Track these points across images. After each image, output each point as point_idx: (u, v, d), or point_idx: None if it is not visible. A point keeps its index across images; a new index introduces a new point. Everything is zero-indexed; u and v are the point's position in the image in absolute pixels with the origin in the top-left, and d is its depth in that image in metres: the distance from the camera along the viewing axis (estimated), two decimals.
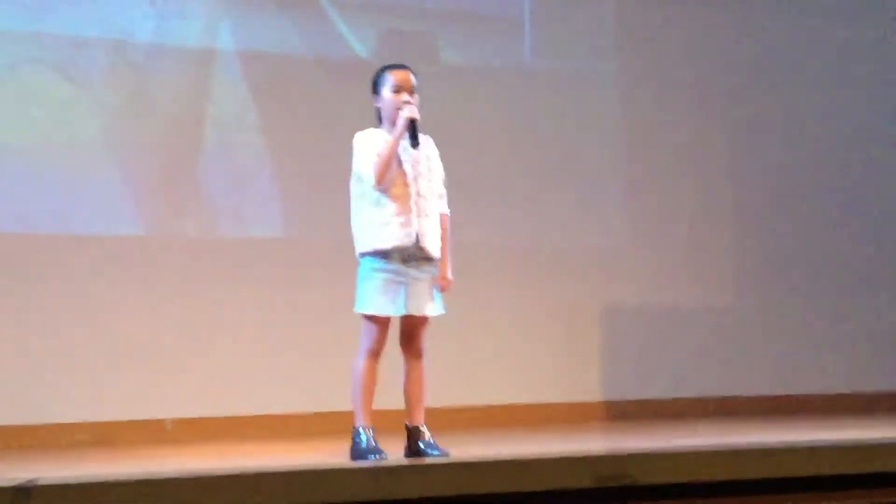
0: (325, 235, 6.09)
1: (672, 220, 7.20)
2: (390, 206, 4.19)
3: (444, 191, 4.38)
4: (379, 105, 4.32)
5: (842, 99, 7.60)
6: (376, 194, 4.20)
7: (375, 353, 4.22)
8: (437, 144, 4.38)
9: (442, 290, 4.32)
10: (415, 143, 4.21)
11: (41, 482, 2.69)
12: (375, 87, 4.34)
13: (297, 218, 6.38)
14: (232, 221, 6.28)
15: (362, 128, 4.33)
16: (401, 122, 4.17)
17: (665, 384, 7.01)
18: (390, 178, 4.18)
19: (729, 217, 7.37)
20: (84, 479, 2.70)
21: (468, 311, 6.32)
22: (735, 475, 3.23)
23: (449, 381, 6.05)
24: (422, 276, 4.24)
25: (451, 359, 6.21)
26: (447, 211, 4.39)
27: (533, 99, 6.90)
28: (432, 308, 4.27)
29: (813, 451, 3.40)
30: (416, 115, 4.19)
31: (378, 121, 4.35)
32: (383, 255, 4.19)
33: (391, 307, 4.19)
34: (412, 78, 4.30)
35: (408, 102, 4.22)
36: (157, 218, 6.12)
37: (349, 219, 4.32)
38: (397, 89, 4.27)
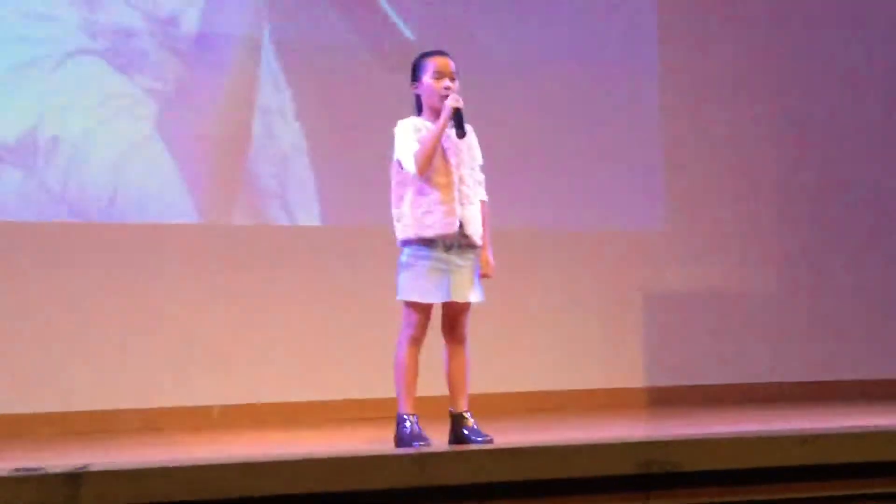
0: (367, 223, 6.11)
1: (715, 203, 7.16)
2: (434, 194, 4.20)
3: (482, 177, 4.39)
4: (419, 92, 4.32)
5: (892, 81, 7.51)
6: (419, 182, 4.20)
7: (417, 340, 4.23)
8: (475, 130, 4.38)
9: (486, 276, 4.33)
10: (461, 132, 4.20)
11: (92, 468, 2.73)
12: (415, 74, 4.33)
13: (340, 206, 6.41)
14: (278, 209, 6.33)
15: (403, 115, 4.34)
16: (445, 111, 4.17)
17: (708, 370, 6.99)
18: (434, 166, 4.19)
19: (773, 200, 7.32)
20: (133, 466, 2.75)
21: (510, 298, 6.33)
22: (777, 462, 3.22)
23: (492, 368, 6.07)
24: (464, 263, 4.25)
25: (493, 345, 6.23)
26: (486, 197, 4.39)
27: (571, 81, 6.88)
28: (475, 295, 4.28)
29: (856, 437, 3.38)
30: (460, 104, 4.19)
31: (417, 109, 4.35)
32: (427, 242, 4.20)
33: (435, 294, 4.20)
34: (452, 64, 4.31)
35: (449, 89, 4.22)
36: (207, 206, 6.19)
37: (389, 206, 4.33)
38: (438, 76, 4.26)
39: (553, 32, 6.91)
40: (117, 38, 6.00)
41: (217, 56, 6.22)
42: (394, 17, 6.55)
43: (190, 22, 6.17)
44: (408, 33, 6.54)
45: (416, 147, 4.18)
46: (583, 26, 6.97)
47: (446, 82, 4.25)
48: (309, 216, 6.41)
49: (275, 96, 6.32)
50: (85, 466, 2.74)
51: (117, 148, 5.99)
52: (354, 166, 6.30)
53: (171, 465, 2.75)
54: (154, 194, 6.05)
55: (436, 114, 4.24)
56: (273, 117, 6.32)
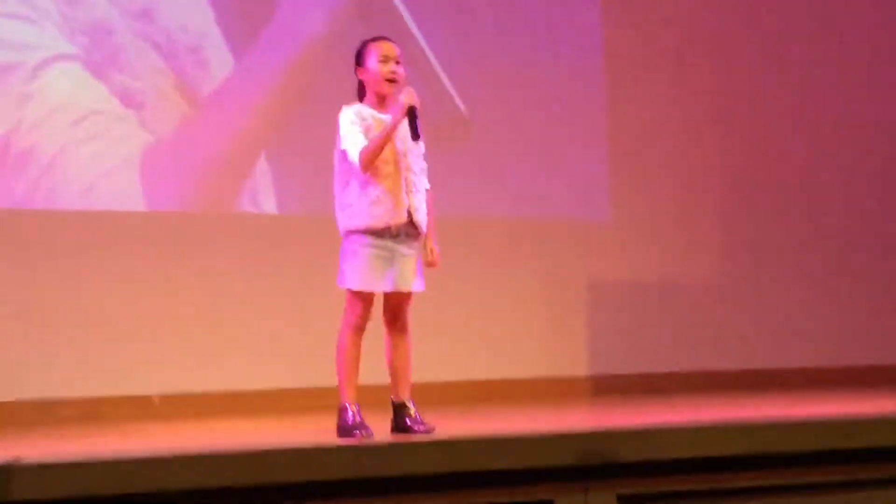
0: (313, 211, 6.08)
1: (658, 192, 7.21)
2: (382, 184, 4.15)
3: (426, 165, 4.36)
4: (363, 77, 4.27)
5: (840, 65, 7.60)
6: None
7: (360, 329, 4.21)
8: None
9: (432, 264, 4.31)
10: (415, 135, 4.15)
11: (24, 461, 2.69)
12: (359, 59, 4.28)
13: (289, 194, 6.37)
14: (225, 197, 6.28)
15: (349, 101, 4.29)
16: (400, 108, 4.11)
17: (651, 358, 7.04)
18: (380, 156, 4.14)
19: (715, 189, 7.38)
20: (66, 460, 2.70)
21: (453, 286, 6.33)
22: (718, 451, 3.25)
23: (435, 357, 6.06)
24: (409, 252, 4.23)
25: (437, 334, 6.22)
26: (429, 186, 4.37)
27: (515, 68, 6.87)
28: (418, 284, 4.26)
29: (799, 426, 3.41)
30: (416, 102, 4.13)
31: (360, 95, 4.30)
32: (373, 231, 4.16)
33: (379, 283, 4.17)
34: (397, 49, 4.27)
35: (394, 73, 4.17)
36: (147, 194, 6.11)
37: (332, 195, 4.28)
38: (384, 59, 4.22)
39: (501, 20, 6.90)
40: (97, 34, 5.94)
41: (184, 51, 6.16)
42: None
43: (161, 17, 6.11)
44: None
45: (362, 140, 4.12)
46: (529, 15, 6.96)
47: (392, 65, 4.21)
48: (253, 204, 6.35)
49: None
50: (17, 459, 2.69)
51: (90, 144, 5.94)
52: (299, 154, 6.26)
53: (103, 458, 2.71)
54: (119, 183, 6.02)
55: (380, 100, 4.20)
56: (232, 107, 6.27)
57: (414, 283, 4.24)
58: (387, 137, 4.10)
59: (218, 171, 6.30)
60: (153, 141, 6.11)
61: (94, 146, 5.98)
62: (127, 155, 6.05)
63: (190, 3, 6.23)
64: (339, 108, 4.22)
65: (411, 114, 4.09)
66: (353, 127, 4.16)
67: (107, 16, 6.00)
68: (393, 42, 4.29)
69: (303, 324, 6.16)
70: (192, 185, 6.25)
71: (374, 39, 4.31)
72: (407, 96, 4.11)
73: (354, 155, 4.11)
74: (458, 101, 6.73)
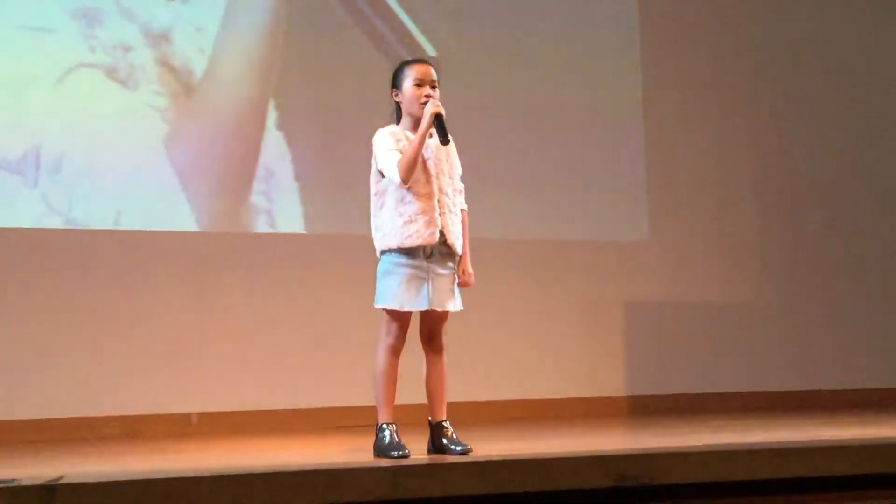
0: (349, 231, 6.12)
1: (694, 214, 7.18)
2: (415, 204, 4.18)
3: (462, 186, 4.38)
4: (399, 100, 4.29)
5: (874, 91, 7.54)
6: (399, 192, 4.18)
7: (396, 349, 4.22)
8: (457, 138, 4.36)
9: (465, 285, 4.32)
10: (444, 139, 4.18)
11: (66, 480, 2.73)
12: (395, 82, 4.31)
13: (321, 214, 6.41)
14: (262, 218, 6.33)
15: (383, 124, 4.33)
16: (426, 118, 4.15)
17: (688, 379, 7.01)
18: (414, 176, 4.17)
19: (752, 211, 7.35)
20: (107, 478, 2.74)
21: (492, 307, 6.34)
22: (754, 475, 3.23)
23: (473, 376, 6.07)
24: (444, 272, 4.24)
25: (475, 354, 6.23)
26: (465, 206, 4.39)
27: (551, 92, 6.89)
28: (454, 304, 4.27)
29: (835, 450, 3.38)
30: (441, 111, 4.17)
31: (396, 118, 4.34)
32: (407, 251, 4.19)
33: (414, 302, 4.18)
34: (433, 72, 4.29)
35: (429, 96, 4.21)
36: (180, 213, 6.18)
37: (368, 215, 4.32)
38: (419, 83, 4.24)
39: (540, 45, 6.93)
40: (116, 52, 6.03)
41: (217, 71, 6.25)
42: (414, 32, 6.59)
43: (184, 39, 6.19)
44: (429, 48, 6.57)
45: (397, 156, 4.16)
46: (569, 39, 6.99)
47: (427, 90, 4.23)
48: (292, 224, 6.40)
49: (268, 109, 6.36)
50: (59, 478, 2.73)
51: (122, 163, 6.03)
52: (333, 176, 6.30)
53: (144, 477, 2.74)
54: (154, 204, 6.09)
55: (415, 122, 4.22)
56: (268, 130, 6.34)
57: (450, 303, 4.25)
58: (418, 145, 4.12)
59: (250, 191, 6.34)
60: (184, 161, 6.17)
61: (124, 154, 6.04)
62: (159, 172, 6.11)
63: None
64: (367, 127, 4.27)
65: (439, 121, 4.13)
66: (388, 146, 4.19)
67: (125, 34, 6.07)
68: (429, 64, 4.32)
69: (339, 343, 6.19)
70: (227, 205, 6.30)
71: (410, 62, 4.34)
72: (432, 106, 4.15)
73: (392, 170, 4.13)
74: (494, 120, 6.75)
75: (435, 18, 6.69)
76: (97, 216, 5.99)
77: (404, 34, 6.62)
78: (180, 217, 6.16)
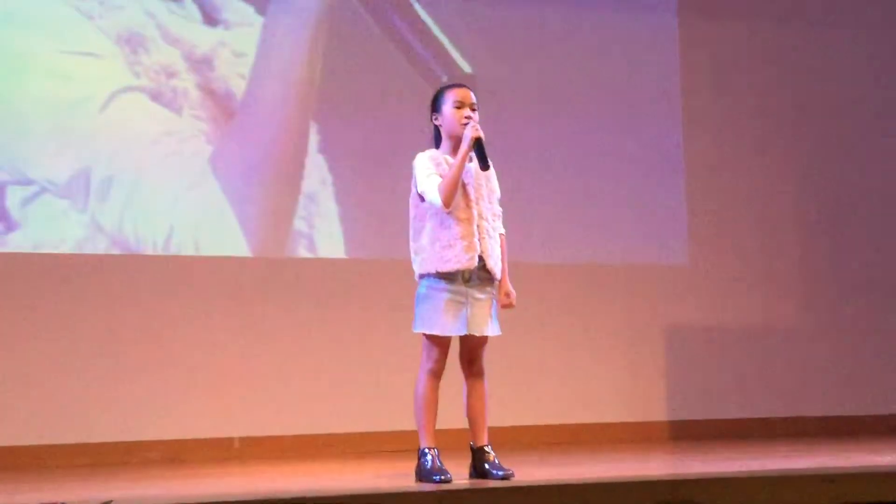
0: (389, 255, 6.14)
1: (736, 237, 7.15)
2: (454, 229, 4.19)
3: (500, 210, 4.39)
4: (439, 123, 4.31)
5: None
6: (439, 216, 4.20)
7: (437, 374, 4.23)
8: (499, 161, 4.37)
9: (508, 306, 4.32)
10: (484, 165, 4.19)
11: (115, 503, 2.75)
12: (435, 105, 4.33)
13: (363, 239, 6.44)
14: (302, 242, 6.37)
15: (422, 148, 4.34)
16: (466, 141, 4.17)
17: (730, 404, 6.95)
18: (455, 200, 4.18)
19: (794, 234, 7.30)
20: (155, 502, 2.76)
21: (532, 331, 6.33)
22: (801, 501, 3.19)
23: (514, 401, 6.07)
24: (482, 297, 4.24)
25: (516, 378, 6.22)
26: (503, 230, 4.40)
27: (592, 115, 6.90)
28: (493, 328, 4.28)
29: (883, 476, 3.34)
30: (481, 135, 4.18)
31: (436, 141, 4.35)
32: (446, 275, 4.20)
33: (453, 327, 4.19)
34: (472, 95, 4.32)
35: (469, 118, 4.22)
36: (228, 240, 6.23)
37: (408, 240, 4.33)
38: (459, 105, 4.26)
39: (582, 68, 6.93)
40: (159, 77, 6.11)
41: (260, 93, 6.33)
42: (451, 50, 6.62)
43: (225, 64, 6.27)
44: (465, 66, 6.60)
45: (437, 180, 4.17)
46: (611, 63, 7.00)
47: (467, 111, 4.25)
48: (333, 249, 6.44)
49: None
50: (108, 502, 2.76)
51: (170, 187, 6.10)
52: (373, 201, 6.34)
53: (191, 500, 2.76)
54: (201, 228, 6.15)
55: (455, 145, 4.24)
56: (309, 154, 6.39)
57: (488, 328, 4.26)
58: (459, 168, 4.13)
59: (293, 215, 6.39)
60: (231, 184, 6.22)
61: (169, 178, 6.11)
62: (205, 196, 6.17)
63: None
64: (406, 149, 4.29)
65: (478, 145, 4.14)
66: (429, 169, 4.21)
67: (169, 59, 6.16)
68: (469, 88, 4.35)
69: (380, 367, 6.20)
70: (272, 229, 6.35)
71: (450, 86, 4.36)
72: (472, 130, 4.16)
73: (434, 194, 4.15)
74: (533, 143, 6.77)
75: (472, 37, 6.72)
76: (145, 239, 6.05)
77: (441, 53, 6.65)
78: (226, 241, 6.21)
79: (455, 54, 6.65)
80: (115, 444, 5.80)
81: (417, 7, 6.63)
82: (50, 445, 5.70)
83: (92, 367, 5.86)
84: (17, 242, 5.86)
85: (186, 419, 5.94)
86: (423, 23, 6.65)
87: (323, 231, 6.40)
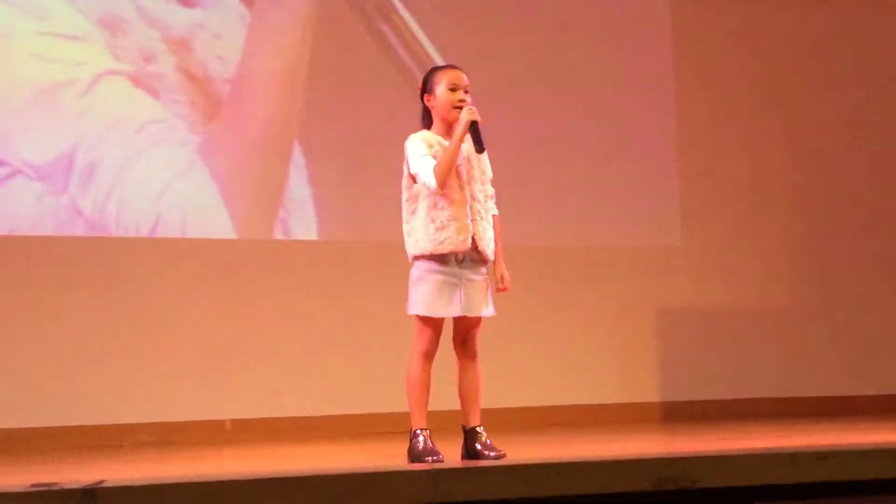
0: (380, 238, 6.12)
1: (728, 219, 7.15)
2: (447, 210, 4.17)
3: (493, 191, 4.38)
4: (431, 104, 4.28)
5: None
6: (432, 197, 4.17)
7: (430, 355, 4.21)
8: (488, 144, 4.35)
9: (502, 290, 4.32)
10: (479, 147, 4.17)
11: (108, 483, 2.74)
12: (426, 86, 4.30)
13: (363, 220, 6.43)
14: (297, 224, 6.35)
15: (411, 130, 4.32)
16: (462, 124, 4.14)
17: (722, 385, 6.97)
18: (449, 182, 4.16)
19: (786, 215, 7.31)
20: (148, 481, 2.75)
21: (524, 312, 6.33)
22: (795, 478, 3.20)
23: (506, 382, 6.06)
24: (476, 278, 4.23)
25: (508, 360, 6.22)
26: (497, 211, 4.38)
27: (584, 99, 6.89)
28: (486, 309, 4.26)
29: (876, 453, 3.35)
30: (477, 117, 4.16)
31: (425, 123, 4.32)
32: (439, 257, 4.18)
33: (447, 308, 4.18)
34: (465, 78, 4.29)
35: (462, 101, 4.19)
36: (215, 220, 6.20)
37: (402, 222, 4.31)
38: (453, 87, 4.24)
39: (574, 52, 6.92)
40: (139, 60, 6.08)
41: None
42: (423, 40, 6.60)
43: (204, 47, 6.23)
44: (435, 55, 6.58)
45: (431, 162, 4.15)
46: (600, 43, 6.98)
47: (461, 94, 4.23)
48: (330, 231, 6.42)
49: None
50: (100, 482, 2.74)
51: (152, 172, 6.07)
52: (364, 181, 6.33)
53: (185, 480, 2.75)
54: (187, 211, 6.13)
55: (448, 127, 4.21)
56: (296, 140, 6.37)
57: (483, 309, 4.25)
58: (454, 151, 4.11)
59: (279, 198, 6.37)
60: (219, 168, 6.20)
61: (156, 163, 6.08)
62: (191, 180, 6.15)
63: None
64: (390, 135, 4.27)
65: (475, 127, 4.12)
66: (422, 151, 4.18)
67: (147, 42, 6.12)
68: (461, 70, 4.32)
69: (372, 349, 6.20)
70: (260, 212, 6.33)
71: (443, 68, 4.34)
72: (468, 113, 4.14)
73: (428, 175, 4.12)
74: (524, 126, 6.75)
75: (459, 20, 6.70)
76: (127, 223, 6.01)
77: (419, 46, 6.63)
78: (215, 224, 6.18)
79: (428, 45, 6.63)
80: (108, 427, 5.79)
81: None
82: (42, 428, 5.69)
83: (83, 350, 5.85)
84: None
85: (178, 402, 5.93)
86: (403, 18, 6.64)
87: (311, 214, 6.37)
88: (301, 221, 6.37)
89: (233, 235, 6.20)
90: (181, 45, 6.18)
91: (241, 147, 6.27)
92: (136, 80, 6.07)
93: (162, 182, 6.08)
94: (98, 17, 6.02)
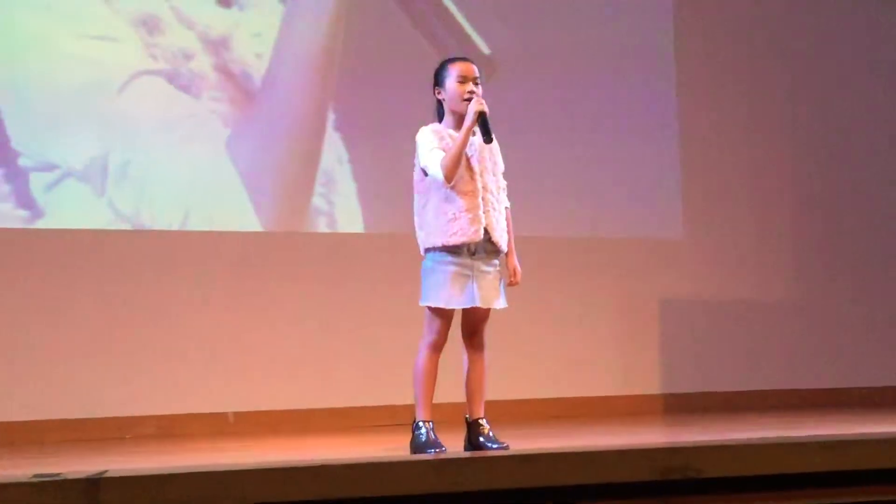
0: (390, 230, 6.13)
1: (730, 211, 7.15)
2: (459, 202, 4.16)
3: (505, 183, 4.37)
4: (442, 97, 4.28)
5: None
6: (444, 190, 4.16)
7: (438, 347, 4.21)
8: (496, 135, 4.34)
9: (513, 284, 4.31)
10: (488, 138, 4.16)
11: (111, 474, 2.73)
12: (437, 79, 4.30)
13: (362, 213, 6.42)
14: (298, 217, 6.34)
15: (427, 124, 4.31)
16: (470, 115, 4.14)
17: (723, 377, 6.97)
18: (458, 174, 4.16)
19: (787, 208, 7.31)
20: (152, 471, 2.74)
21: (527, 305, 6.29)
22: (799, 468, 3.19)
23: (509, 375, 6.05)
24: (488, 270, 4.23)
25: (511, 352, 6.21)
26: (509, 203, 4.38)
27: (585, 90, 6.88)
28: (499, 301, 4.26)
29: (880, 443, 3.34)
30: (485, 108, 4.15)
31: (438, 115, 4.33)
32: (451, 249, 4.17)
33: (459, 300, 4.17)
34: (475, 69, 4.29)
35: (473, 93, 4.19)
36: (220, 214, 6.20)
37: (412, 214, 4.31)
38: (462, 79, 4.24)
39: (574, 42, 6.91)
40: (176, 60, 6.07)
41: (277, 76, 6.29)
42: (469, 31, 6.59)
43: (241, 45, 6.24)
44: (483, 47, 6.57)
45: (440, 154, 4.14)
46: (603, 36, 6.97)
47: (470, 86, 4.22)
48: (326, 223, 6.41)
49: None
50: (103, 472, 2.74)
51: (187, 170, 6.07)
52: (377, 175, 6.31)
53: (189, 470, 2.74)
54: (217, 211, 6.15)
55: (458, 119, 4.21)
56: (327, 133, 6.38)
57: (495, 301, 4.24)
58: (462, 143, 4.11)
59: (292, 192, 6.36)
60: (247, 163, 6.20)
61: (187, 159, 6.07)
62: (222, 175, 6.15)
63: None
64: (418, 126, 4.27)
65: (482, 119, 4.11)
66: (432, 144, 4.18)
67: (185, 42, 6.12)
68: (471, 62, 4.32)
69: (378, 342, 6.20)
70: (268, 206, 6.32)
71: (452, 60, 4.33)
72: (476, 104, 4.13)
73: (436, 168, 4.12)
74: (531, 118, 6.74)
75: (490, 18, 6.69)
76: (162, 220, 6.03)
77: (459, 32, 6.62)
78: (239, 221, 6.17)
79: (474, 35, 6.62)
80: (111, 420, 5.79)
81: None
82: (46, 420, 5.69)
83: (89, 344, 5.85)
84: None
85: (181, 394, 5.93)
86: (443, 3, 6.62)
87: (324, 205, 6.37)
88: (340, 214, 6.37)
89: (256, 229, 6.19)
90: (219, 45, 6.18)
91: (268, 141, 6.26)
92: (172, 79, 6.06)
93: (192, 179, 6.08)
94: (134, 17, 6.03)
